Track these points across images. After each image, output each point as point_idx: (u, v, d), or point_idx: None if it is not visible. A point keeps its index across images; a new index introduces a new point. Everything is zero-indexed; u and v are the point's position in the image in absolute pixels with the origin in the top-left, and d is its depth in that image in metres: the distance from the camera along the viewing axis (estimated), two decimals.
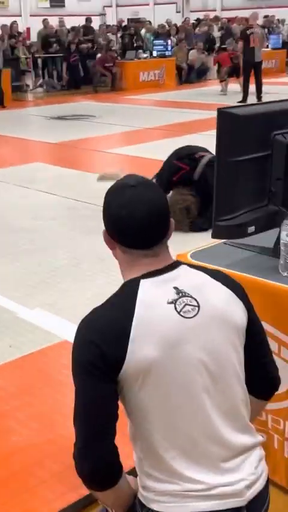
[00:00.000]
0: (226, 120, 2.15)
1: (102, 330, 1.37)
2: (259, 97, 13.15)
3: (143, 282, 1.41)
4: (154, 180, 5.42)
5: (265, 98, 13.21)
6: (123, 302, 1.40)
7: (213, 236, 2.30)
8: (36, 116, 11.64)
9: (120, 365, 1.33)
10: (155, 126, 10.57)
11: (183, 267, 1.47)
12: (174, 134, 9.37)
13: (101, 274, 4.20)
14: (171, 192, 5.19)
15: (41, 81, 16.64)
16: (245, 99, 13.13)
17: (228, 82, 15.26)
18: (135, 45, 17.43)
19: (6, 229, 5.31)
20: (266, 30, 19.85)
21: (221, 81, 15.40)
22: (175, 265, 1.46)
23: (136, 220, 1.41)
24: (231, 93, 15.01)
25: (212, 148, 6.06)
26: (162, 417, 1.36)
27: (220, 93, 15.03)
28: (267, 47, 18.14)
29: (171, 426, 1.37)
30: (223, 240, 2.52)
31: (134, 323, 1.35)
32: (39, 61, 16.75)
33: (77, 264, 4.48)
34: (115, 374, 1.34)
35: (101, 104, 14.01)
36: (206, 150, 5.49)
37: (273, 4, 29.73)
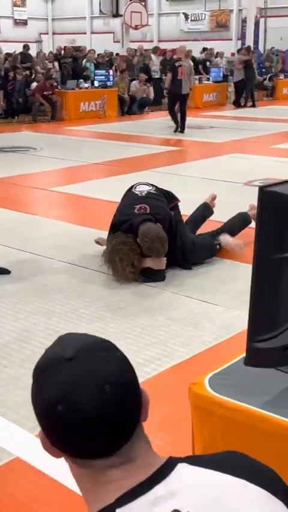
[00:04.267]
0: (270, 203, 1.52)
1: None
2: (182, 129, 13.06)
3: None
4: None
5: (209, 131, 12.91)
6: None
7: (248, 363, 1.64)
8: None
9: None
10: (101, 161, 9.92)
11: (181, 467, 0.84)
12: (121, 171, 8.76)
13: None
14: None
15: None
16: (177, 128, 13.11)
17: None
18: (76, 74, 16.82)
19: None
20: (208, 63, 19.79)
21: None
22: (168, 467, 0.84)
23: (84, 417, 0.82)
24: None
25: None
26: None
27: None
28: (203, 80, 18.29)
29: None
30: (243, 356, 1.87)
31: None
32: None
33: (27, 338, 3.71)
34: None
35: (41, 134, 13.29)
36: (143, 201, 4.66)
37: (210, 37, 30.14)
